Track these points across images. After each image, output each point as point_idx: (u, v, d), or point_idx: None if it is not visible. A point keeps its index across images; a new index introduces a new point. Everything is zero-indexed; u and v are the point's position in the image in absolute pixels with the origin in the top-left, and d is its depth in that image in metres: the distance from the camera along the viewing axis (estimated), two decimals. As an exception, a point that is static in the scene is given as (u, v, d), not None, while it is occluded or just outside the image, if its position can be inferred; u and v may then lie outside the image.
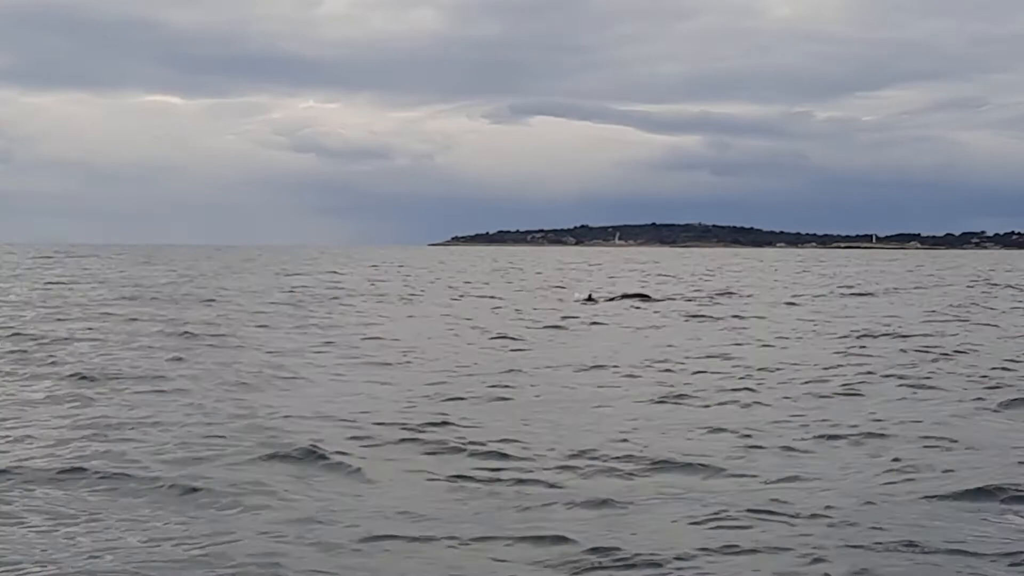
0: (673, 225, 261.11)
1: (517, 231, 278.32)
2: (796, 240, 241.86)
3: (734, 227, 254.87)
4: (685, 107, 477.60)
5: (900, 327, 24.82)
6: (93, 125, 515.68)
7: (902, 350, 19.87)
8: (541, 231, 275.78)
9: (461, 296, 39.36)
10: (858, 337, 22.45)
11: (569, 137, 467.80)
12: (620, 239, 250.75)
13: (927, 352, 19.40)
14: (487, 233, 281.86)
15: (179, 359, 17.30)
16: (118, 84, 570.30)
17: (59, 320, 24.74)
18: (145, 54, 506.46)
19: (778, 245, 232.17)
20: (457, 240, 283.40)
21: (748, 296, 37.92)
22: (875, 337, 22.43)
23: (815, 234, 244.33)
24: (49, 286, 39.69)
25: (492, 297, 38.35)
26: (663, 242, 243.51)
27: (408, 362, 17.98)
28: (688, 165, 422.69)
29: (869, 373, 16.54)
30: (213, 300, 32.81)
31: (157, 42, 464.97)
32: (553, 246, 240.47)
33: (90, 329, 22.40)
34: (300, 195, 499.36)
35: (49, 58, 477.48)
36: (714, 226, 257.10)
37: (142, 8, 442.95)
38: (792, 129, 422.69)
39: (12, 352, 17.87)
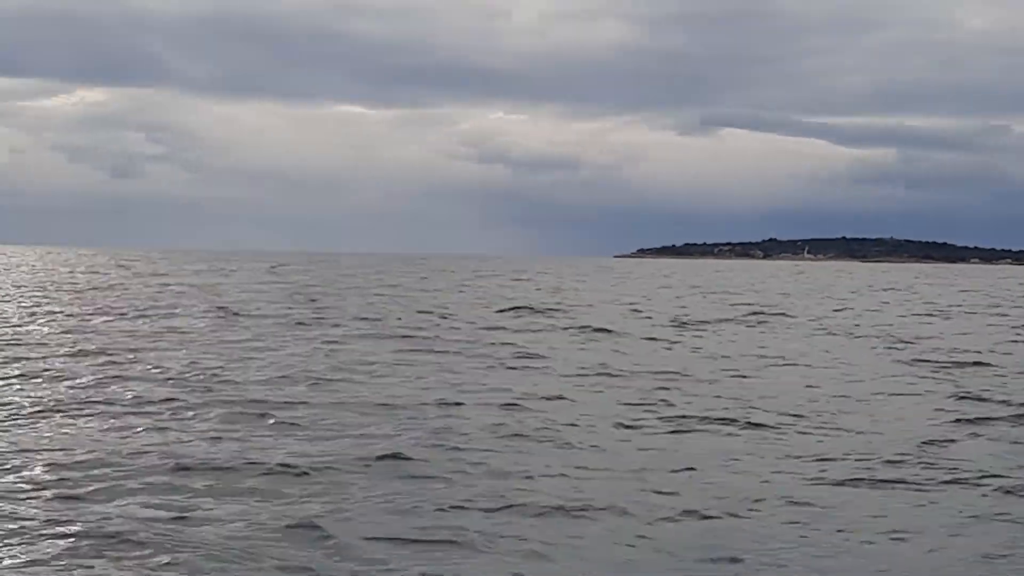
0: (863, 239, 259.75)
1: (704, 243, 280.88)
2: (991, 256, 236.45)
3: (926, 242, 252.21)
4: (875, 120, 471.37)
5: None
6: (283, 134, 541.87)
7: None
8: (728, 244, 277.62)
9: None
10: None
11: (757, 149, 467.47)
12: (809, 253, 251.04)
13: None
14: (673, 245, 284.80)
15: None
16: (309, 94, 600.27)
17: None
18: (336, 65, 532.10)
19: (972, 261, 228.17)
20: (643, 252, 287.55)
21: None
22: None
23: (1010, 250, 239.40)
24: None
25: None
26: (853, 256, 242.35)
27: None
28: (879, 178, 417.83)
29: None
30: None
31: (348, 53, 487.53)
32: (740, 259, 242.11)
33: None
34: (485, 205, 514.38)
35: (242, 69, 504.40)
36: (906, 240, 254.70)
37: (333, 20, 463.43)
38: (988, 143, 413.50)
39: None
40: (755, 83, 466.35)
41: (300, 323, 26.32)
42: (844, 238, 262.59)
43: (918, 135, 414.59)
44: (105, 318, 26.43)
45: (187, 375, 16.16)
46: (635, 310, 36.54)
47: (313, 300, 36.77)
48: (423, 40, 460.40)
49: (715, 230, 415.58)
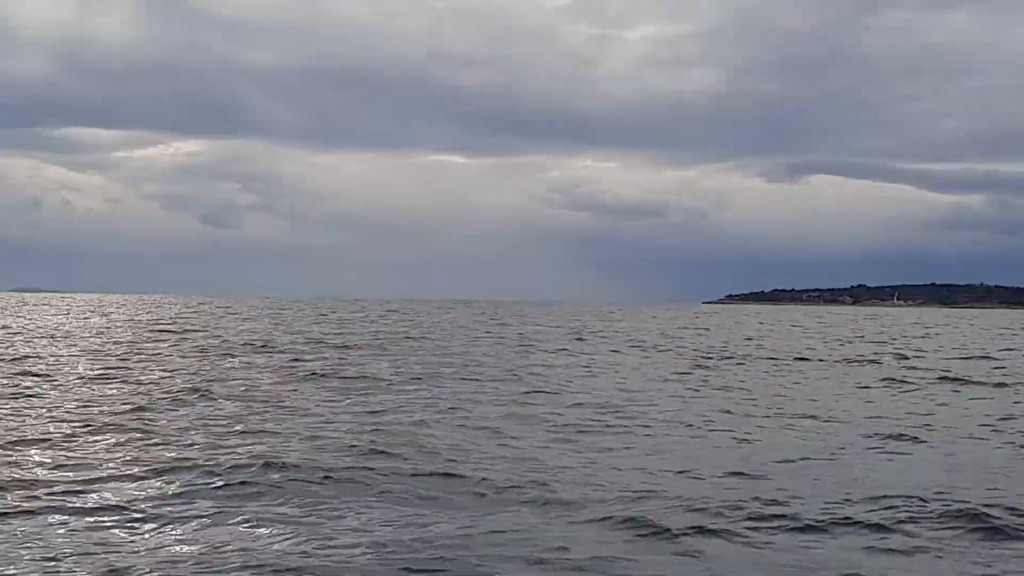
0: (953, 285, 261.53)
1: (792, 290, 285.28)
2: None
3: (1018, 288, 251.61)
4: (968, 165, 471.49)
5: None
6: (377, 183, 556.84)
7: None
8: (817, 290, 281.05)
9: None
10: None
11: (848, 195, 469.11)
12: (898, 300, 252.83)
13: None
14: (762, 291, 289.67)
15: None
16: (402, 143, 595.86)
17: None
18: (429, 114, 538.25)
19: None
20: (732, 298, 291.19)
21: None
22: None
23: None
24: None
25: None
26: (943, 303, 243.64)
27: None
28: (970, 224, 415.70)
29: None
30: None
31: (441, 102, 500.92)
32: (829, 305, 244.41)
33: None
34: (575, 252, 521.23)
35: (336, 118, 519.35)
36: (997, 287, 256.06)
37: (427, 69, 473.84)
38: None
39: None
40: (846, 129, 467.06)
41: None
42: (934, 284, 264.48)
43: (1012, 180, 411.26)
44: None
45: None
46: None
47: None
48: (516, 88, 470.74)
49: (803, 276, 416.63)
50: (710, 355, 37.44)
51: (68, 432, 15.30)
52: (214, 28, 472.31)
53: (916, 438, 16.66)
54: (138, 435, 15.20)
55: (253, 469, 12.42)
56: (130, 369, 26.71)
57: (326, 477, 12.10)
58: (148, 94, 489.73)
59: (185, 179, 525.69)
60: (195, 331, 48.92)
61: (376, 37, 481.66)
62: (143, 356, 31.40)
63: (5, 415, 17.09)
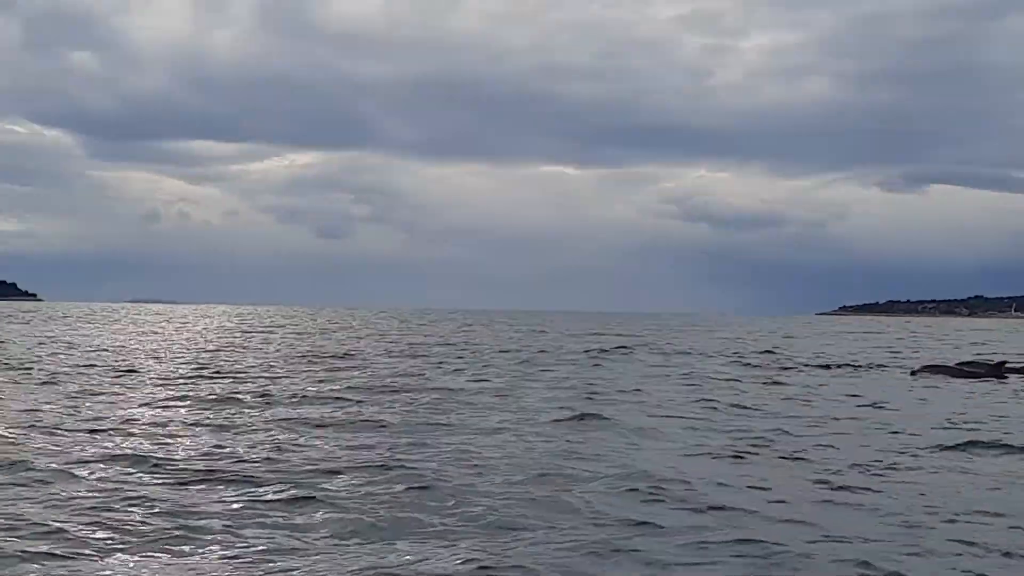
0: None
1: (908, 301, 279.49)
2: None
3: None
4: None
5: None
6: (490, 195, 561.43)
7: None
8: (933, 301, 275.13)
9: None
10: None
11: (966, 205, 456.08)
12: (1017, 311, 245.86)
13: None
14: (876, 303, 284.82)
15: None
16: (516, 155, 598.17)
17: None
18: (542, 126, 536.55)
19: None
20: (846, 309, 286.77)
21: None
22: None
23: None
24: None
25: None
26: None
27: None
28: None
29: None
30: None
31: (554, 114, 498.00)
32: (945, 317, 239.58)
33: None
34: (688, 263, 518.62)
35: (450, 131, 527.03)
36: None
37: (540, 81, 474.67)
38: None
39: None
40: (965, 139, 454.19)
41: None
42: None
43: None
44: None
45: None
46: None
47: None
48: (628, 100, 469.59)
49: (919, 287, 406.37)
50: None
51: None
52: (330, 41, 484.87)
53: None
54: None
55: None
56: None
57: None
58: (264, 107, 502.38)
59: (300, 191, 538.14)
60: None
61: (490, 49, 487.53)
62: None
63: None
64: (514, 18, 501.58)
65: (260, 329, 65.09)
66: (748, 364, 34.70)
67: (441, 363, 31.93)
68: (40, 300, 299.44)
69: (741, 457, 13.55)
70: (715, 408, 19.76)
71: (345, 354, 35.93)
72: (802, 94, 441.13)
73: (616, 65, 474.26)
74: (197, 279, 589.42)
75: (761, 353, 41.88)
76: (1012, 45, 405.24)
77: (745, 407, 19.99)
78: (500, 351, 40.04)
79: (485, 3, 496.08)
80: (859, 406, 20.73)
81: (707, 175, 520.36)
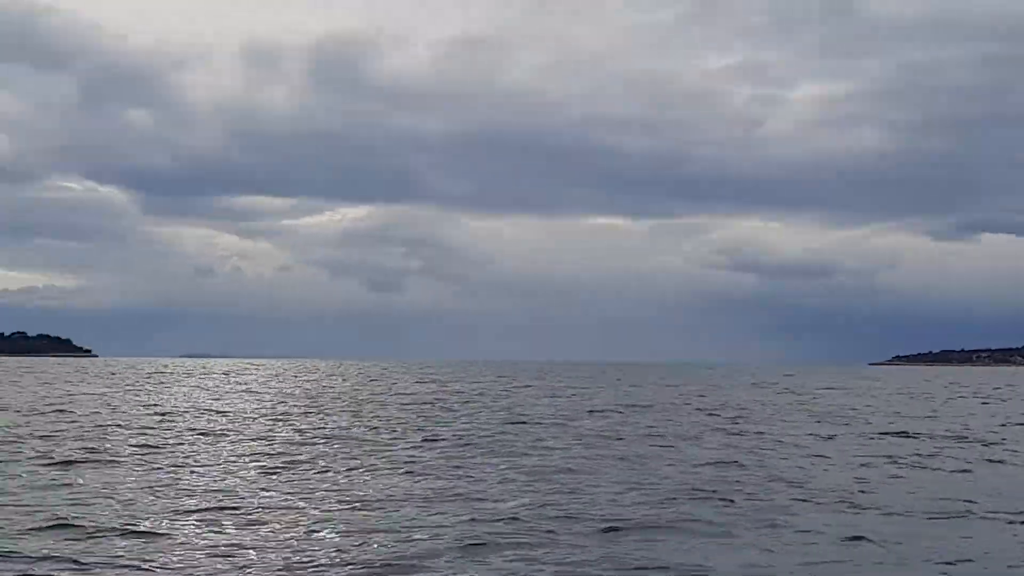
0: None
1: (962, 350, 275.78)
2: None
3: None
4: None
5: None
6: (541, 247, 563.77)
7: None
8: (987, 350, 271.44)
9: None
10: None
11: (1018, 253, 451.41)
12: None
13: None
14: (930, 352, 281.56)
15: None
16: (566, 207, 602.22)
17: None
18: (592, 178, 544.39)
19: None
20: (899, 359, 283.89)
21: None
22: None
23: None
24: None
25: None
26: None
27: None
28: None
29: None
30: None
31: (604, 166, 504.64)
32: (999, 366, 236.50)
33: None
34: (738, 313, 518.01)
35: (500, 184, 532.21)
36: None
37: (590, 133, 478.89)
38: None
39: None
40: (1016, 186, 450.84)
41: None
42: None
43: None
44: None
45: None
46: None
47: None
48: (678, 151, 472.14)
49: (972, 336, 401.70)
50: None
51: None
52: (380, 97, 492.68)
53: None
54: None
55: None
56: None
57: None
58: (316, 162, 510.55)
59: (352, 245, 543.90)
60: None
61: (539, 103, 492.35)
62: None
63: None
64: (564, 71, 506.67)
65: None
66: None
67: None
68: (95, 356, 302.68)
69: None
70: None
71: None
72: (852, 143, 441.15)
73: (666, 116, 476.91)
74: (249, 333, 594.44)
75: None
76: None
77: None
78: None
79: (534, 56, 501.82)
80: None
81: (757, 225, 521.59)
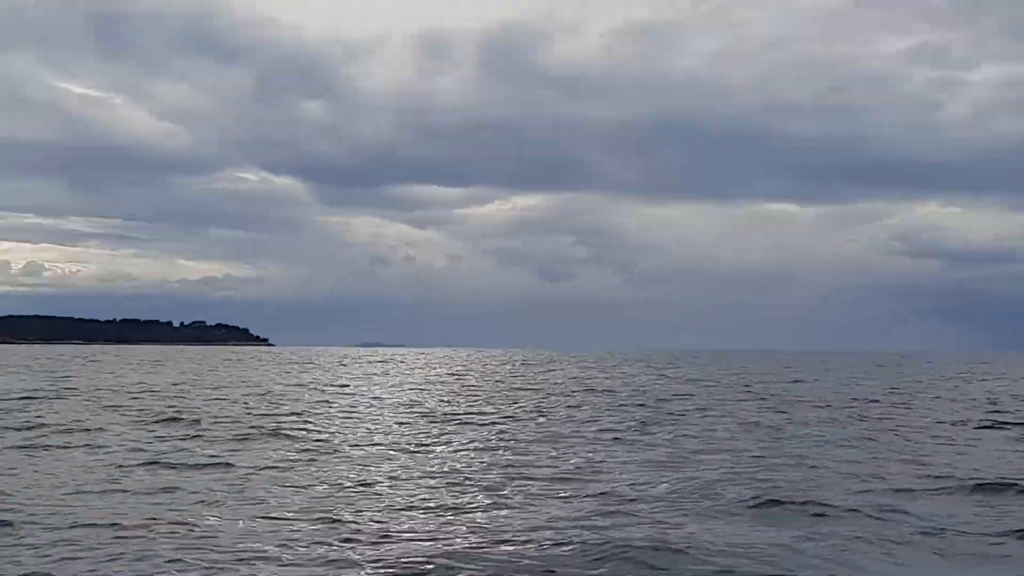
0: None
1: None
2: None
3: None
4: None
5: None
6: (711, 235, 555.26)
7: None
8: None
9: None
10: None
11: None
12: None
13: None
14: None
15: None
16: (737, 194, 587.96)
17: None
18: (763, 164, 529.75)
19: None
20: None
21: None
22: None
23: None
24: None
25: None
26: None
27: None
28: None
29: None
30: None
31: (776, 152, 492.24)
32: None
33: None
34: (917, 301, 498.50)
35: (671, 171, 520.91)
36: None
37: (762, 118, 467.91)
38: None
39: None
40: None
41: None
42: None
43: None
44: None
45: None
46: None
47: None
48: (853, 135, 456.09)
49: None
50: None
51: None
52: (550, 85, 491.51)
53: None
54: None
55: None
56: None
57: None
58: (487, 152, 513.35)
59: (522, 234, 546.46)
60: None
61: (710, 89, 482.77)
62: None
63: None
64: (735, 57, 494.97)
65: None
66: None
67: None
68: (271, 345, 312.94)
69: None
70: None
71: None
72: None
73: (840, 101, 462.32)
74: (422, 323, 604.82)
75: None
76: None
77: None
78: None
79: (705, 42, 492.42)
80: None
81: (937, 210, 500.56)
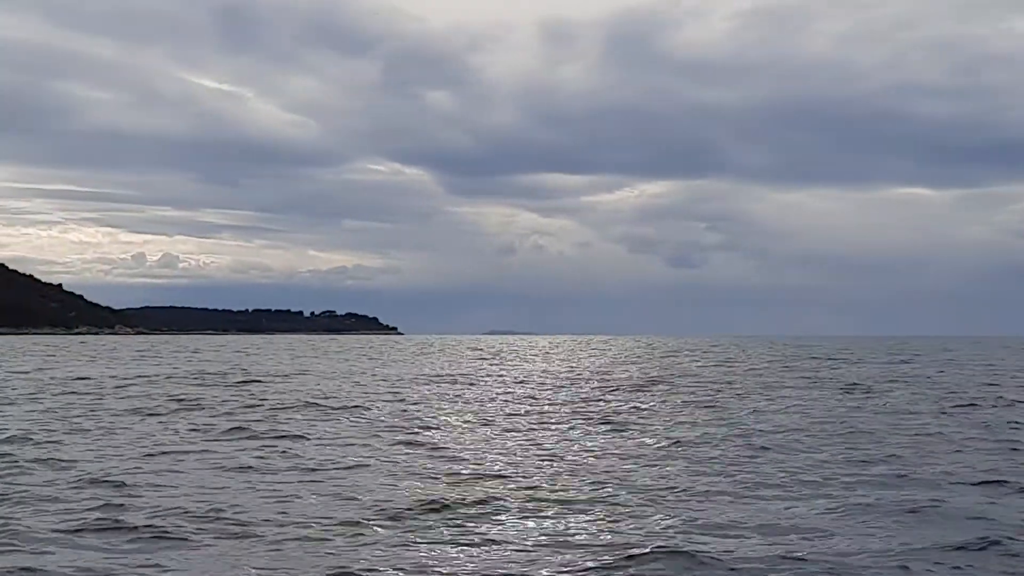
0: None
1: None
2: None
3: None
4: None
5: None
6: (844, 219, 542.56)
7: None
8: None
9: None
10: None
11: None
12: None
13: None
14: None
15: None
16: (868, 178, 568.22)
17: None
18: (896, 147, 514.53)
19: None
20: None
21: None
22: None
23: None
24: None
25: None
26: None
27: None
28: None
29: None
30: None
31: (908, 135, 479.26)
32: None
33: None
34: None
35: (801, 155, 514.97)
36: None
37: (892, 102, 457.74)
38: None
39: None
40: None
41: None
42: None
43: None
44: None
45: None
46: None
47: None
48: (986, 117, 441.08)
49: None
50: None
51: None
52: (677, 71, 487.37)
53: None
54: None
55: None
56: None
57: None
58: (614, 138, 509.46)
59: (651, 221, 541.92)
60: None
61: (840, 72, 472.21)
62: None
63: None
64: (865, 38, 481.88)
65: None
66: None
67: None
68: (400, 333, 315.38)
69: None
70: None
71: None
72: None
73: (972, 82, 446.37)
74: (551, 310, 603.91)
75: None
76: None
77: None
78: None
79: (834, 24, 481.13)
80: None
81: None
